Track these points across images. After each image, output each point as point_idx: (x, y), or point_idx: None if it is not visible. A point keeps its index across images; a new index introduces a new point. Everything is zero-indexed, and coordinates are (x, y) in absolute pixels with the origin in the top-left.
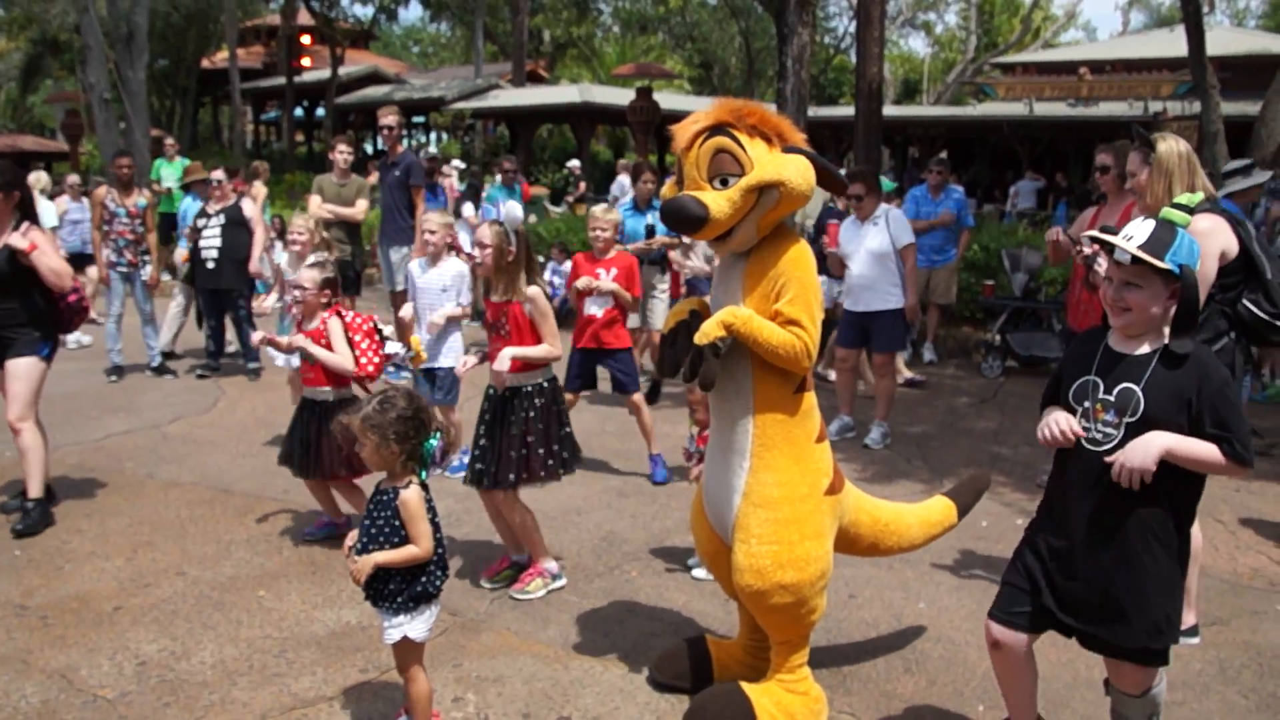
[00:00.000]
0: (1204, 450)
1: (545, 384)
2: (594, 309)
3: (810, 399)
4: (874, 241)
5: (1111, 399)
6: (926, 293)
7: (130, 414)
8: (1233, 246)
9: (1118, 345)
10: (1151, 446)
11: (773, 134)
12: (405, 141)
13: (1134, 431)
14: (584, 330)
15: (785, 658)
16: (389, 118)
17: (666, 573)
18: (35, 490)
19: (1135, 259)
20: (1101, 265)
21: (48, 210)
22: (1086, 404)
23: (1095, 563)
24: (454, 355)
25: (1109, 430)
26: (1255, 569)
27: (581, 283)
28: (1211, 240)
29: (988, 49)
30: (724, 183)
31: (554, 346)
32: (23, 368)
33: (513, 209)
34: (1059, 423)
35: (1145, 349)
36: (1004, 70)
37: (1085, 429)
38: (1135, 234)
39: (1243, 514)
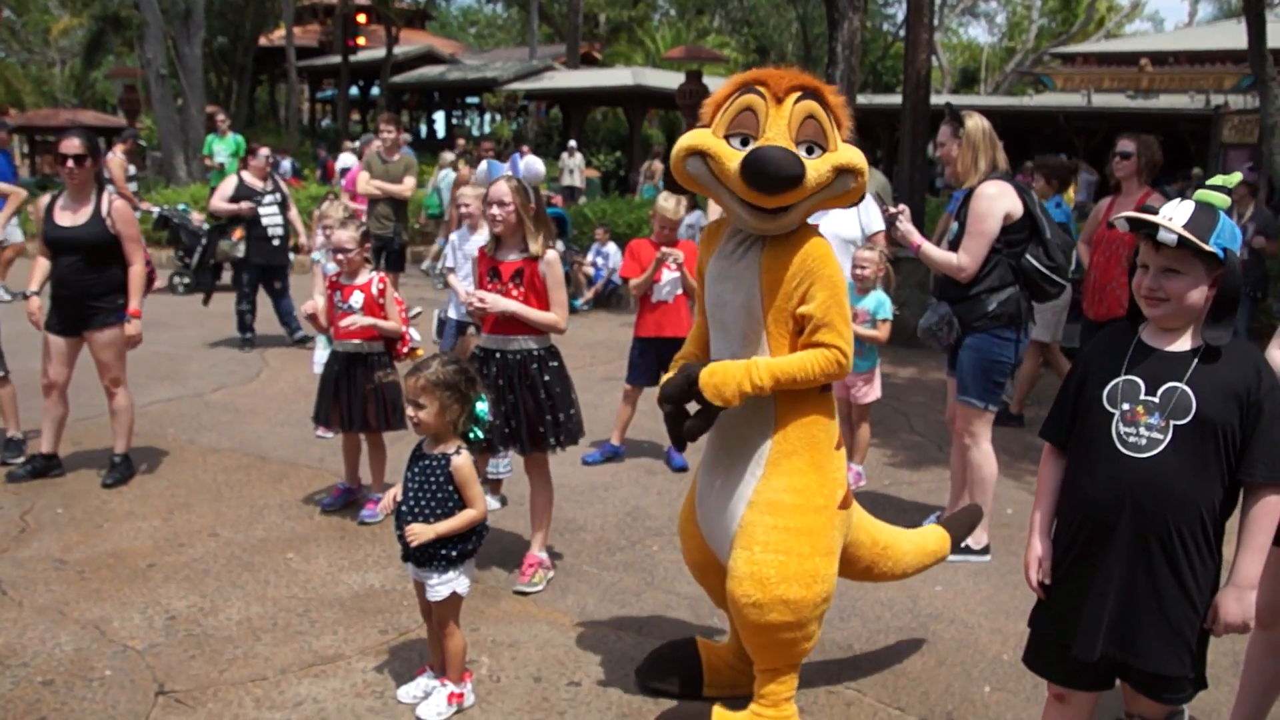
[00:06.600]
0: (1270, 525)
1: (554, 349)
2: (664, 295)
3: (831, 399)
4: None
5: (1155, 400)
6: None
7: (176, 382)
8: (1017, 208)
9: (1152, 340)
10: (1245, 595)
11: (844, 121)
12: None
13: (1184, 434)
14: (649, 318)
15: (767, 685)
16: None
17: None
18: (122, 447)
19: (1179, 242)
20: (902, 225)
21: None
22: (1125, 406)
23: (1132, 582)
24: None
25: (1154, 435)
26: None
27: (666, 252)
28: (998, 202)
29: (1056, 37)
30: (809, 151)
31: (561, 318)
32: (110, 336)
33: (533, 164)
34: (1032, 565)
35: (1185, 344)
36: (1064, 60)
37: (1125, 434)
38: (1175, 215)
39: None
